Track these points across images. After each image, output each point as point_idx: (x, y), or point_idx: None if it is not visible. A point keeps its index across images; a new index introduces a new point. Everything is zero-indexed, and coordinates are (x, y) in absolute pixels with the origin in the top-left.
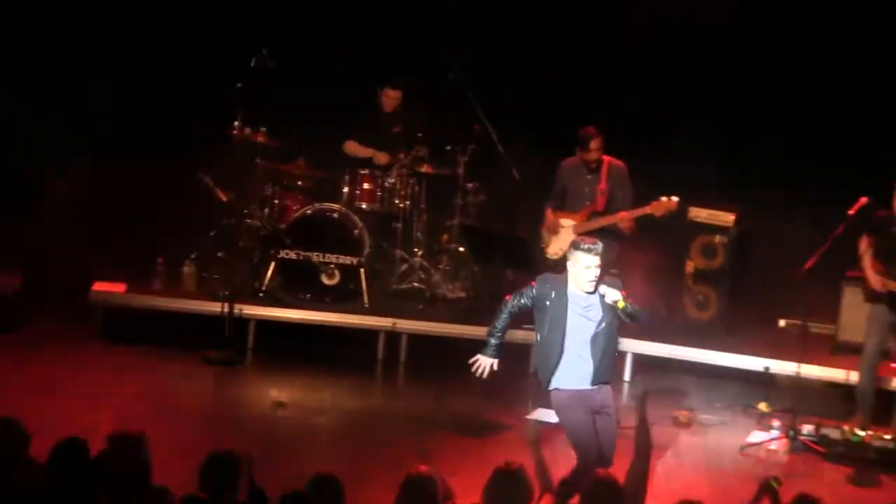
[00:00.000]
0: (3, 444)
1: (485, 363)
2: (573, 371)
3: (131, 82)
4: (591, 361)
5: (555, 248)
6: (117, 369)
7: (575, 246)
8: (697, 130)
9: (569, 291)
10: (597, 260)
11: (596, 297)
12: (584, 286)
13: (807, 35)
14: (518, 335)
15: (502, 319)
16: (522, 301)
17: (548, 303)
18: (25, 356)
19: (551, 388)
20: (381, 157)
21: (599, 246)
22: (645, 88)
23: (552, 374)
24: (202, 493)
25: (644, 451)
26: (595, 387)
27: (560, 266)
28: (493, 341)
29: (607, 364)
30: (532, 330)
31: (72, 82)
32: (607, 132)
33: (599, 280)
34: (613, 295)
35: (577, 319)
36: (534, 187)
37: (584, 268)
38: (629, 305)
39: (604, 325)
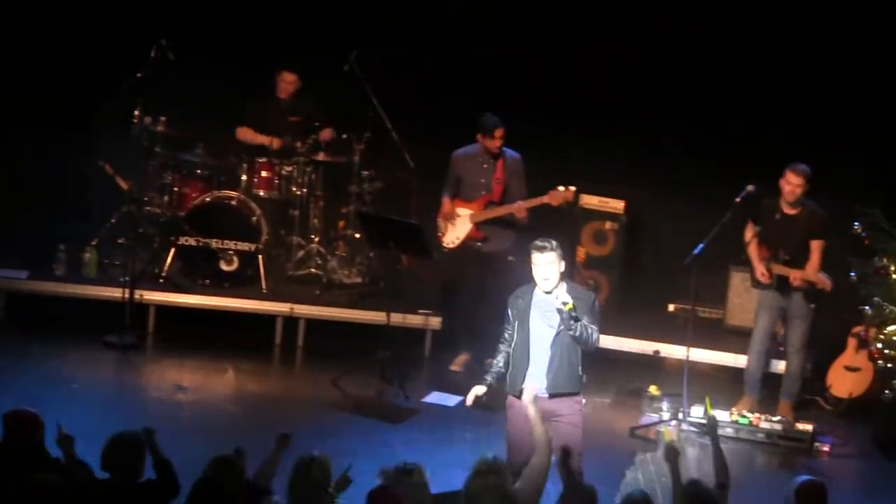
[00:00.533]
0: None
1: (474, 391)
2: (535, 377)
3: (27, 71)
4: (548, 368)
5: (451, 237)
6: (18, 355)
7: (531, 246)
8: (588, 119)
9: (534, 295)
10: (546, 257)
11: (578, 297)
12: (540, 286)
13: (695, 25)
14: (416, 320)
15: (497, 356)
16: (506, 325)
17: (517, 311)
18: None
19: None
20: (276, 143)
21: (551, 243)
22: (536, 79)
23: (522, 379)
24: (106, 471)
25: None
26: (548, 395)
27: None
28: (487, 378)
29: (565, 372)
30: (429, 314)
31: None
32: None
33: (563, 286)
34: (563, 297)
35: (538, 324)
36: (428, 175)
37: (534, 265)
38: (576, 314)
39: (562, 329)
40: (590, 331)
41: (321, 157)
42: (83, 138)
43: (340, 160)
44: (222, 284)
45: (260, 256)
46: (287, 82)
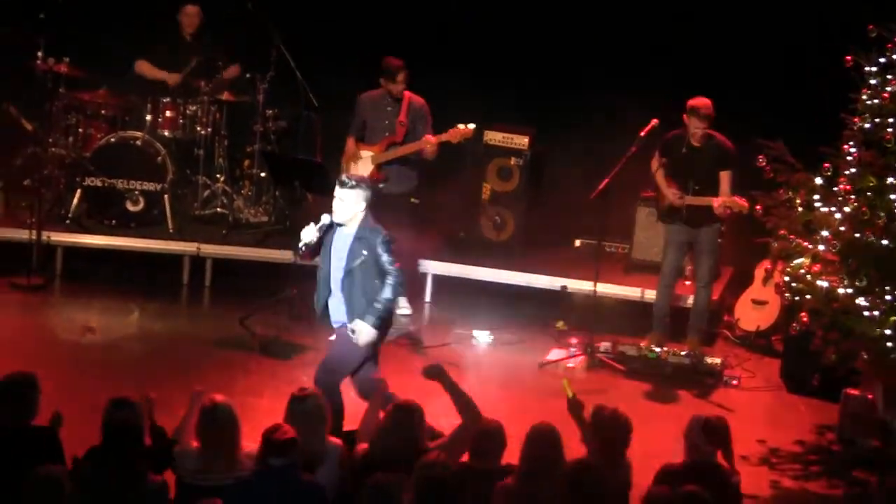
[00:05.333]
0: None
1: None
2: (335, 307)
3: None
4: (347, 305)
5: None
6: None
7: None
8: (493, 58)
9: (336, 231)
10: (343, 193)
11: (352, 236)
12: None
13: None
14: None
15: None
16: (317, 225)
17: (324, 231)
18: None
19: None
20: (173, 79)
21: (351, 182)
22: (442, 19)
23: (324, 304)
24: None
25: (468, 412)
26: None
27: None
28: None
29: (363, 305)
30: None
31: None
32: (407, 64)
33: (366, 224)
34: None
35: (336, 261)
36: (331, 114)
37: (334, 198)
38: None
39: (356, 264)
40: (386, 290)
41: (225, 96)
42: None
43: (244, 99)
44: (129, 225)
45: (166, 196)
46: (189, 15)
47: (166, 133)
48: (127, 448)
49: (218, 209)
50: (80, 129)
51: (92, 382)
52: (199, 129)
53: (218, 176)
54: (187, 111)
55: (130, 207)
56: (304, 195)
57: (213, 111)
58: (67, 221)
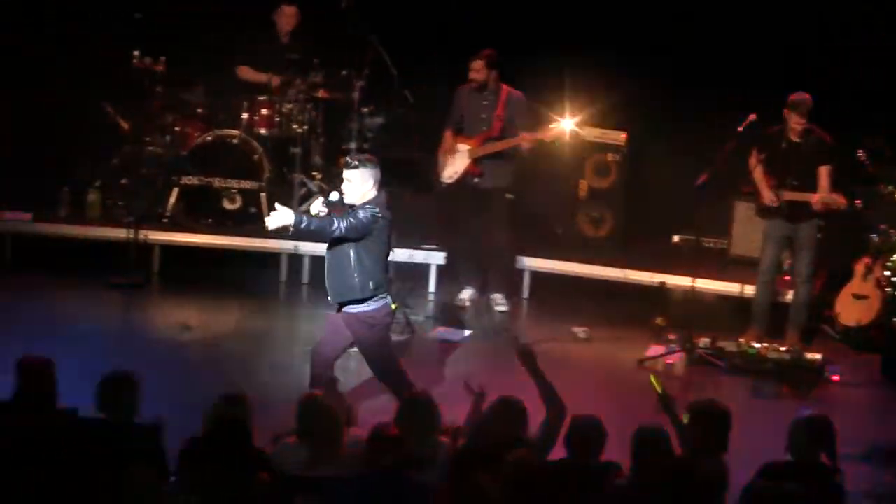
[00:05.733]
0: None
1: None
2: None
3: (30, 11)
4: (327, 279)
5: (449, 172)
6: (24, 297)
7: None
8: (590, 53)
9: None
10: (349, 174)
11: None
12: None
13: None
14: (420, 255)
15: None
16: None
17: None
18: None
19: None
20: (276, 81)
21: (354, 162)
22: (539, 13)
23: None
24: (101, 413)
25: (552, 404)
26: (337, 306)
27: None
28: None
29: (338, 280)
30: (433, 249)
31: None
32: (504, 58)
33: (375, 202)
34: (316, 205)
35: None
36: (428, 111)
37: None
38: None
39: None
40: (325, 222)
41: (321, 94)
42: (84, 80)
43: (340, 97)
44: (226, 223)
45: (262, 194)
46: (287, 16)
47: (262, 131)
48: (237, 444)
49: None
50: (177, 128)
51: (191, 380)
52: (295, 127)
53: (314, 174)
54: (283, 109)
55: (227, 206)
56: (402, 193)
57: (309, 109)
58: (165, 220)
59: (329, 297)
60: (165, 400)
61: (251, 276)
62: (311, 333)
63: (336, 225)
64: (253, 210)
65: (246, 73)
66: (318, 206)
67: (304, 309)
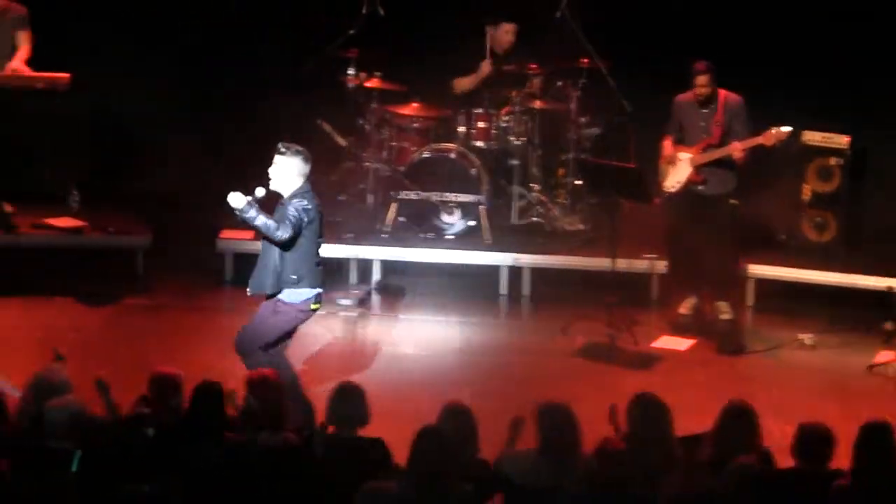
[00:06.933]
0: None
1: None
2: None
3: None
4: (255, 267)
5: (671, 181)
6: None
7: None
8: (810, 58)
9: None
10: (277, 158)
11: (284, 204)
12: None
13: None
14: (641, 265)
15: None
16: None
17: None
18: (156, 303)
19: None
20: (486, 67)
21: (285, 150)
22: (757, 18)
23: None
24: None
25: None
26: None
27: None
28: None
29: (263, 273)
30: (654, 258)
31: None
32: (720, 65)
33: (296, 194)
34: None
35: None
36: (645, 119)
37: None
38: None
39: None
40: (271, 224)
41: (537, 105)
42: (299, 98)
43: (557, 107)
44: (444, 237)
45: (481, 208)
46: (507, 32)
47: (479, 144)
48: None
49: (534, 218)
50: (394, 143)
51: (412, 395)
52: (512, 139)
53: (532, 185)
54: (500, 122)
55: (446, 219)
56: (621, 202)
57: (526, 121)
58: (384, 235)
59: (248, 290)
60: (390, 415)
61: (471, 290)
62: (535, 345)
63: (280, 233)
64: (471, 223)
65: (462, 84)
66: (261, 192)
67: (526, 321)
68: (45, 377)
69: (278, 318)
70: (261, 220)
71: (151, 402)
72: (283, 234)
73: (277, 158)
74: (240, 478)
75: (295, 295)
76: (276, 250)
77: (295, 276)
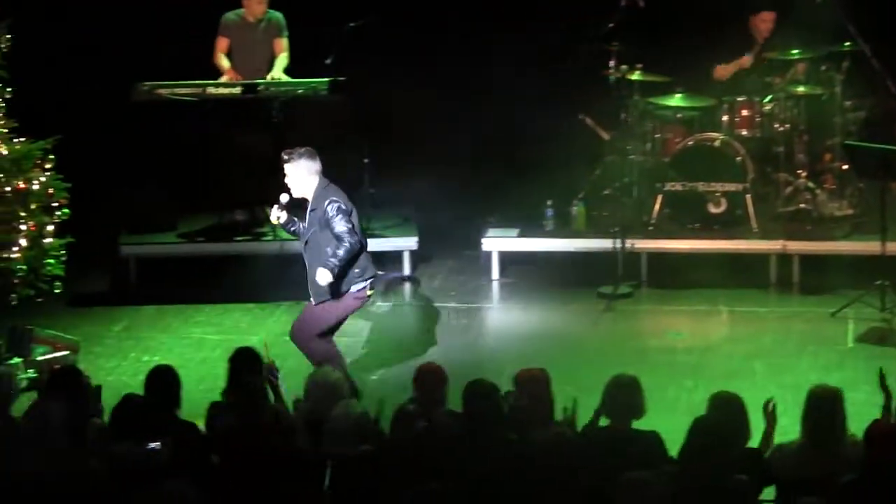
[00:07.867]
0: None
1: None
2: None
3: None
4: (309, 279)
5: None
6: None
7: None
8: None
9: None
10: (288, 168)
11: (315, 208)
12: None
13: None
14: None
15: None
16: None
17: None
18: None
19: None
20: (745, 60)
21: (292, 154)
22: None
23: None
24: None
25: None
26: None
27: None
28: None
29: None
30: None
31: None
32: None
33: (319, 192)
34: (274, 213)
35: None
36: None
37: None
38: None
39: (309, 234)
40: (338, 251)
41: (802, 91)
42: (560, 95)
43: (820, 92)
44: (712, 227)
45: (748, 196)
46: (766, 21)
47: (744, 132)
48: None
49: (801, 205)
50: (657, 135)
51: (680, 383)
52: (776, 126)
53: (799, 172)
54: (764, 109)
55: (712, 209)
56: (889, 185)
57: (790, 107)
58: (650, 228)
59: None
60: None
61: (740, 280)
62: (807, 332)
63: (348, 242)
64: (739, 212)
65: (721, 72)
66: (275, 214)
67: (796, 308)
68: (324, 379)
69: (336, 307)
70: (340, 257)
71: (417, 395)
72: (351, 240)
73: (287, 168)
74: (519, 475)
75: (353, 285)
76: (319, 254)
77: (358, 270)
